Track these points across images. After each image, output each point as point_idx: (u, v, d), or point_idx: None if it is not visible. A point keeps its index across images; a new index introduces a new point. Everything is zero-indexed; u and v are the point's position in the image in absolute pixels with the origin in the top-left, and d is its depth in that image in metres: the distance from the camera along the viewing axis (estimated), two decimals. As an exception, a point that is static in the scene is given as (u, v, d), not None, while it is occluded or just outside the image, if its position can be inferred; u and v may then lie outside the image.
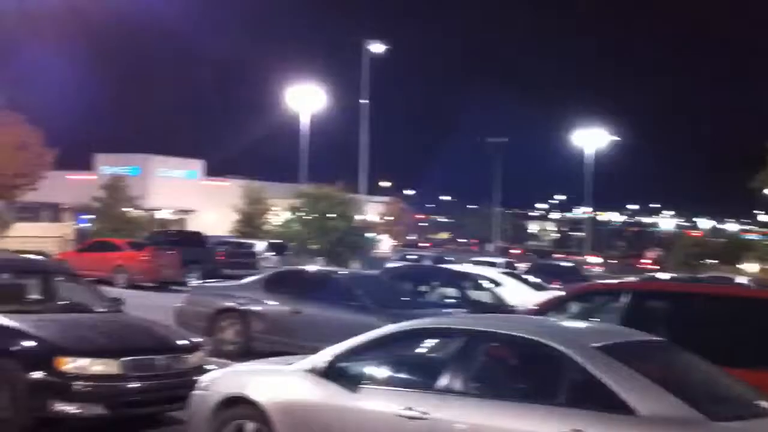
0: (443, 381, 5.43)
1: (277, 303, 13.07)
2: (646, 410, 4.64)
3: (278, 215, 41.99)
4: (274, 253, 34.35)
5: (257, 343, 12.77)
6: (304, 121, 46.72)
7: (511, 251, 75.05)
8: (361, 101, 42.71)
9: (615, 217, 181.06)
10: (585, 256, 67.15)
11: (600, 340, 5.35)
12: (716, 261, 63.24)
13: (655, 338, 5.96)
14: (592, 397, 4.87)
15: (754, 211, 72.01)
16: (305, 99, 47.09)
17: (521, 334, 5.62)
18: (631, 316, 7.25)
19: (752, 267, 52.04)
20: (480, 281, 18.14)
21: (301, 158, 45.97)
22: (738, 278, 48.05)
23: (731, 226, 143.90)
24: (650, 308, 7.64)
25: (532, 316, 7.85)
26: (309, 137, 47.00)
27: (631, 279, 10.43)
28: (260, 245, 35.39)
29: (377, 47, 42.90)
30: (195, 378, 7.17)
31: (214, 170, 58.79)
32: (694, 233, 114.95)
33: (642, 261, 77.15)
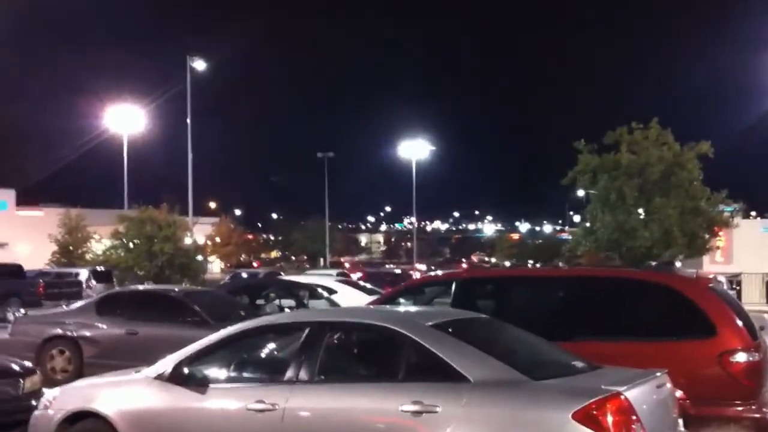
0: (290, 373, 5.66)
1: (111, 325, 12.76)
2: (477, 376, 5.11)
3: (101, 242, 40.20)
4: (97, 282, 33.05)
5: (91, 369, 12.37)
6: (125, 143, 45.16)
7: (344, 263, 75.87)
8: (188, 121, 41.85)
9: (440, 225, 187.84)
10: (414, 265, 69.12)
11: (433, 320, 5.80)
12: (533, 260, 67.33)
13: (481, 315, 6.51)
14: (430, 370, 5.29)
15: (570, 213, 77.43)
16: (126, 119, 45.46)
17: (360, 320, 5.98)
18: (460, 300, 7.85)
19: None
20: (316, 290, 18.46)
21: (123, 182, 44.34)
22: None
23: (549, 228, 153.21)
24: (475, 292, 8.28)
25: (369, 306, 8.25)
26: (131, 159, 45.48)
27: (458, 270, 11.14)
28: (84, 273, 33.89)
29: (200, 63, 42.09)
30: (33, 402, 6.99)
31: (26, 199, 55.61)
32: (514, 236, 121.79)
33: (465, 265, 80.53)
